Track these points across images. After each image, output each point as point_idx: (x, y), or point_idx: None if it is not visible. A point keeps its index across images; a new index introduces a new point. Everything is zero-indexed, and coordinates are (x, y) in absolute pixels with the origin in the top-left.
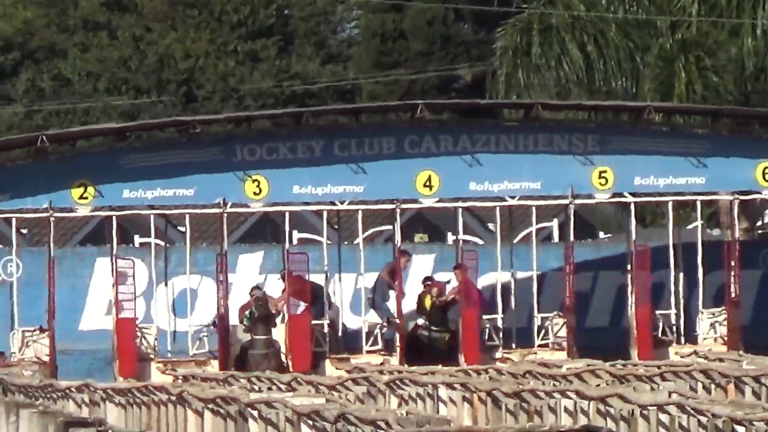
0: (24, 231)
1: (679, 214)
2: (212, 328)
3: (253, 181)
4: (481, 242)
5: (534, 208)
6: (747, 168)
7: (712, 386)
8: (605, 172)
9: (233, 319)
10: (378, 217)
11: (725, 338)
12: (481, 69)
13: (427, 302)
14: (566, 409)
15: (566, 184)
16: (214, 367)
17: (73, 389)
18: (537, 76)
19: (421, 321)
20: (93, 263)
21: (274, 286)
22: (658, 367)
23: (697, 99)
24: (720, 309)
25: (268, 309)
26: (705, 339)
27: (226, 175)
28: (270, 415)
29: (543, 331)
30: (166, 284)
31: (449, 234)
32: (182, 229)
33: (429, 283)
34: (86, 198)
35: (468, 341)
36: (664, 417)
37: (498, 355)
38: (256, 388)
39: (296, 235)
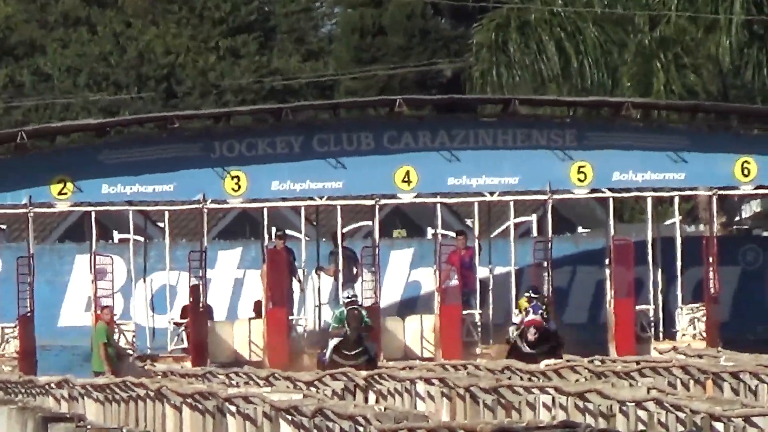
0: (3, 227)
1: (658, 210)
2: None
3: (233, 177)
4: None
5: (512, 204)
6: (725, 164)
7: (691, 382)
8: (584, 167)
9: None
10: (357, 212)
11: (704, 334)
12: (460, 65)
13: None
14: (544, 405)
15: (544, 180)
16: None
17: (52, 385)
18: (514, 72)
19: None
20: (72, 259)
21: (255, 283)
22: (637, 363)
23: (675, 98)
24: (699, 305)
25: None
26: (684, 335)
27: (206, 170)
28: (248, 411)
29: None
30: (144, 280)
31: (428, 229)
32: (161, 225)
33: (534, 297)
34: (65, 194)
35: (448, 335)
36: (642, 413)
37: (476, 350)
38: (234, 383)
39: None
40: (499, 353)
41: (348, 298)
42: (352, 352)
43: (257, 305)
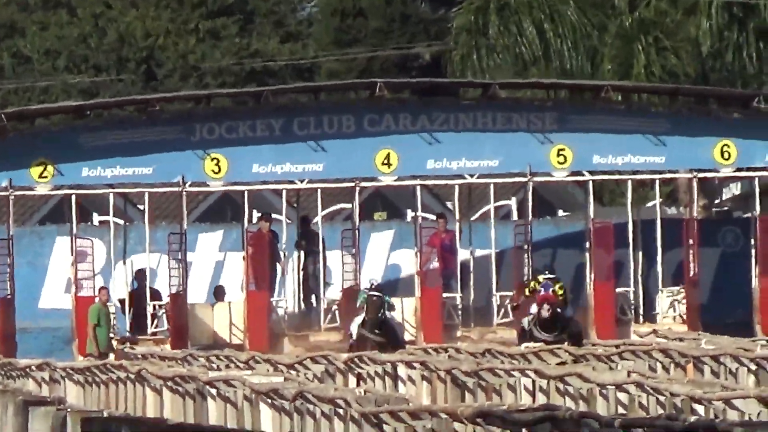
0: None
1: (638, 193)
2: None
3: (213, 159)
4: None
5: (492, 186)
6: (705, 146)
7: (671, 365)
8: (564, 150)
9: (192, 298)
10: (337, 195)
11: (684, 317)
12: (441, 48)
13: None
14: (525, 388)
15: (525, 163)
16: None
17: (32, 368)
18: (494, 56)
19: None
20: (52, 242)
21: (236, 265)
22: (617, 346)
23: (655, 80)
24: (679, 287)
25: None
26: (664, 318)
27: (186, 153)
28: (228, 394)
29: (502, 310)
30: (124, 263)
31: (408, 212)
32: (141, 207)
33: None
34: (45, 176)
35: (429, 318)
36: (622, 396)
37: (457, 333)
38: (215, 366)
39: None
40: (480, 336)
41: (370, 285)
42: (378, 331)
43: (218, 290)
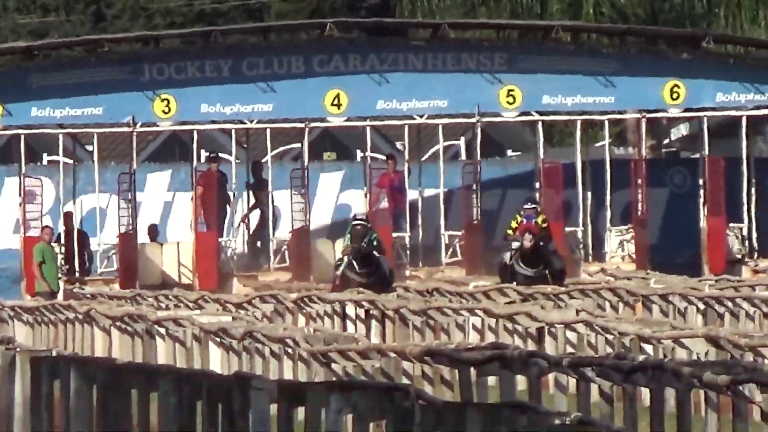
0: None
1: (587, 133)
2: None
3: (162, 100)
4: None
5: (441, 127)
6: (654, 87)
7: (620, 304)
8: (513, 90)
9: (142, 238)
10: (286, 135)
11: (633, 256)
12: None
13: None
14: (474, 327)
15: (474, 103)
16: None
17: None
18: None
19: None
20: (1, 182)
21: (184, 205)
22: (566, 285)
23: (605, 20)
24: (628, 227)
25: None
26: (613, 257)
27: (135, 94)
28: (177, 333)
29: (450, 249)
30: (74, 203)
31: (357, 152)
32: (90, 148)
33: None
34: None
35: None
36: (571, 335)
37: (406, 273)
38: (164, 306)
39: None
40: (428, 275)
41: (355, 217)
42: (363, 270)
43: (151, 229)
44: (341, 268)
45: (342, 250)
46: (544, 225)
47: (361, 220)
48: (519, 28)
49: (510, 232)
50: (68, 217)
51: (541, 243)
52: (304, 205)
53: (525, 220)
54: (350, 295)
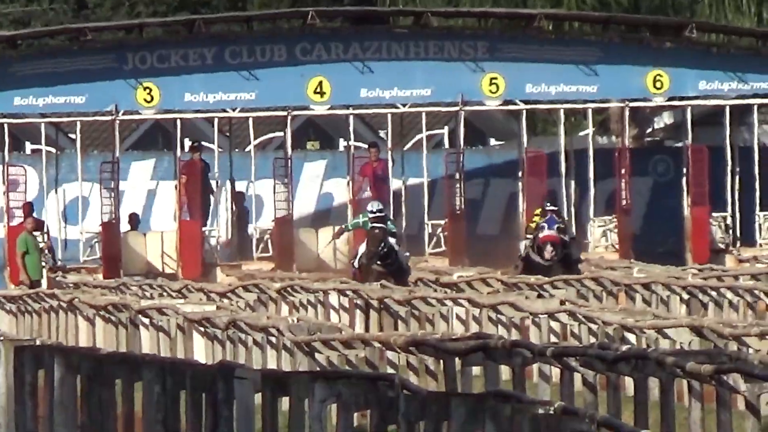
0: None
1: (571, 122)
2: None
3: (145, 88)
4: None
5: (424, 115)
6: (637, 76)
7: (603, 294)
8: (496, 79)
9: (125, 227)
10: (269, 124)
11: (616, 246)
12: None
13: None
14: (458, 317)
15: (457, 92)
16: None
17: None
18: None
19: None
20: None
21: (168, 194)
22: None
23: (587, 9)
24: (611, 217)
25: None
26: (596, 247)
27: (118, 82)
28: (161, 322)
29: (434, 239)
30: (56, 191)
31: (341, 141)
32: (73, 136)
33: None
34: None
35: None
36: (555, 325)
37: None
38: (148, 295)
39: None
40: (412, 265)
41: (373, 213)
42: (383, 262)
43: (132, 218)
44: (357, 259)
45: (365, 241)
46: (563, 227)
47: (377, 216)
48: (502, 16)
49: (532, 225)
50: (28, 206)
51: (563, 247)
52: (288, 194)
53: (546, 225)
54: (334, 285)
